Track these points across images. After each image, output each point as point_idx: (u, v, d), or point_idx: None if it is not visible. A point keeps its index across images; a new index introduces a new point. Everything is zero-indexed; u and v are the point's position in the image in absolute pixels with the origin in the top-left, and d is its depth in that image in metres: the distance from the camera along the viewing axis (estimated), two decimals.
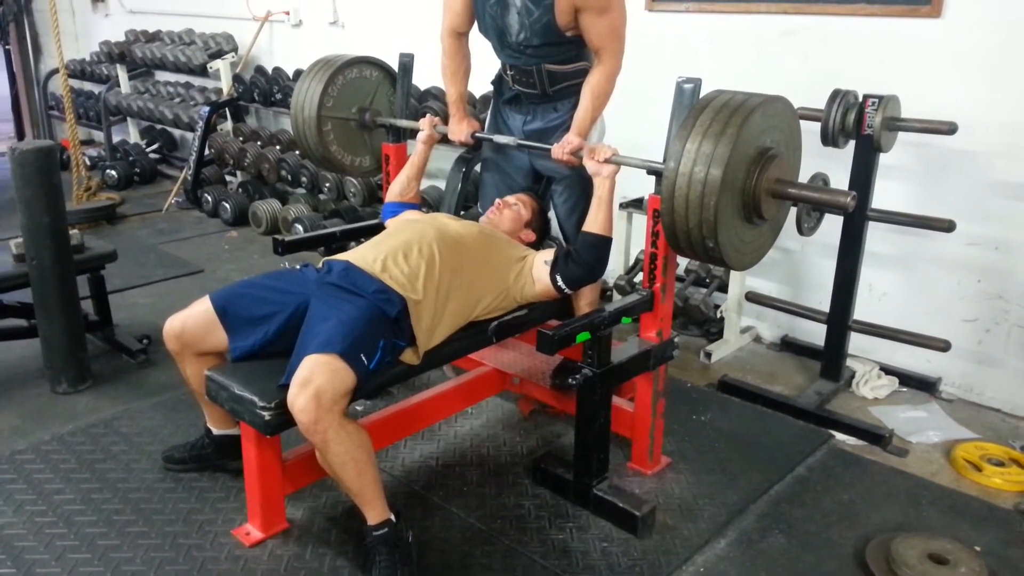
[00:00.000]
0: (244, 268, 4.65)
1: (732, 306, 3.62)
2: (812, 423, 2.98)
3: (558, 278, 2.48)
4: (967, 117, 2.88)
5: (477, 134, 2.90)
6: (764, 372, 3.48)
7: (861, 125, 2.89)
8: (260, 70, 5.78)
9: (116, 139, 7.10)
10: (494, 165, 2.97)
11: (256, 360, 2.23)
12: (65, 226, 3.08)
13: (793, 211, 2.79)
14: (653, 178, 2.34)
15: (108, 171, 6.49)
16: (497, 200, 2.78)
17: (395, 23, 4.88)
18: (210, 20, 6.25)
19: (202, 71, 6.02)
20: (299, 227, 4.93)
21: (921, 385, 3.29)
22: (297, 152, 5.23)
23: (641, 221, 3.46)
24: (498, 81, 2.86)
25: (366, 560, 2.13)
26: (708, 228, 2.08)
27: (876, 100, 2.85)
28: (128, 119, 7.03)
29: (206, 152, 5.81)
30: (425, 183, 4.58)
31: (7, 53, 7.96)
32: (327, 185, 5.07)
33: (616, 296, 3.79)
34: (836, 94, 2.94)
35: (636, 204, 3.73)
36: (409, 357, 2.26)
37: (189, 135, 6.21)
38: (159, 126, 6.84)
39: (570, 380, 2.36)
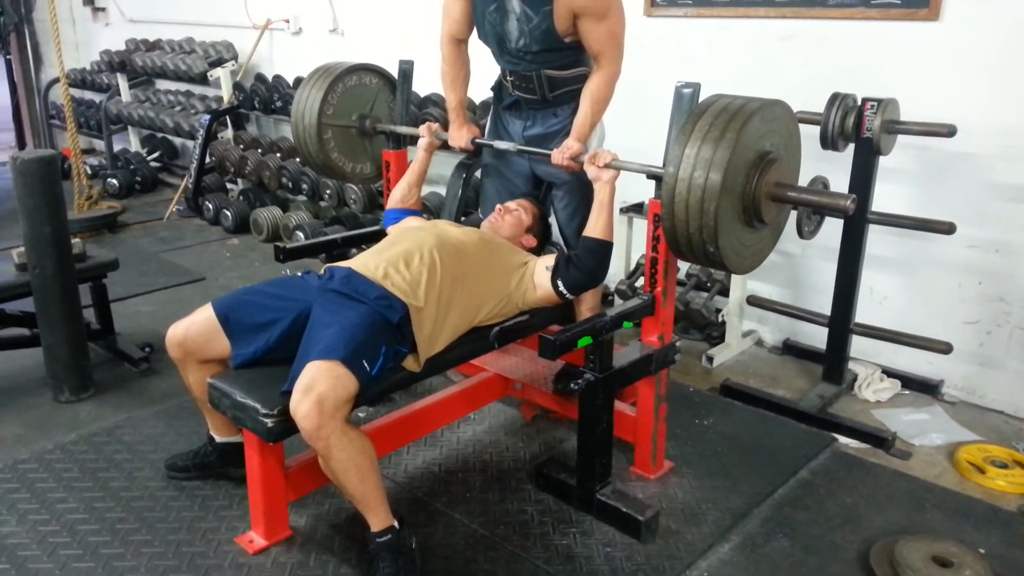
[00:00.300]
0: (246, 276, 4.65)
1: (733, 310, 3.62)
2: (815, 426, 2.98)
3: (559, 283, 2.49)
4: (966, 120, 2.88)
5: (477, 140, 2.91)
6: (766, 376, 3.48)
7: (860, 128, 2.90)
8: (260, 78, 5.79)
9: (117, 148, 7.11)
10: (494, 171, 2.97)
11: (258, 367, 2.24)
12: (67, 235, 3.09)
13: (793, 215, 2.79)
14: (653, 183, 2.35)
15: (109, 180, 6.50)
16: (498, 206, 2.79)
17: (395, 30, 4.89)
18: (210, 28, 6.27)
19: (202, 79, 6.03)
20: (300, 234, 4.93)
21: (923, 388, 3.29)
22: (298, 159, 5.24)
23: (642, 225, 3.46)
24: (498, 87, 2.87)
25: (369, 567, 2.12)
26: (708, 232, 2.09)
27: (875, 103, 2.86)
28: (129, 128, 7.05)
29: (207, 160, 5.82)
30: (426, 189, 4.56)
31: (8, 63, 7.98)
32: (328, 192, 5.08)
33: (617, 301, 3.79)
34: (835, 97, 2.94)
35: (636, 209, 3.73)
36: (410, 364, 2.26)
37: (190, 143, 6.22)
38: (160, 134, 6.85)
39: (572, 385, 2.36)
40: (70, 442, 2.83)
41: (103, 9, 7.57)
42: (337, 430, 1.97)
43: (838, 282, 3.13)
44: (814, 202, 2.40)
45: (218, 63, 5.97)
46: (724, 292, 3.68)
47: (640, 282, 3.69)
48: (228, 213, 5.58)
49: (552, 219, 2.96)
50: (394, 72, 3.22)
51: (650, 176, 2.36)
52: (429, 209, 4.37)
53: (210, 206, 5.76)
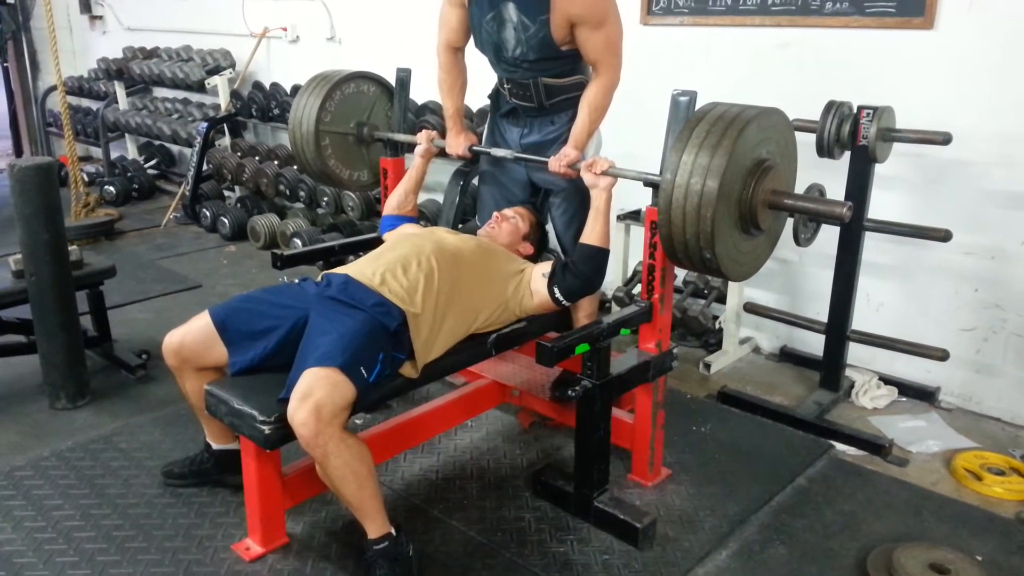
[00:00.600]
0: (243, 283, 4.65)
1: (731, 317, 3.62)
2: (812, 433, 2.98)
3: (556, 290, 2.49)
4: (962, 127, 2.89)
5: (474, 147, 2.91)
6: (763, 383, 3.49)
7: (856, 136, 2.91)
8: (258, 86, 5.81)
9: (114, 155, 7.11)
10: (491, 178, 2.98)
11: (255, 374, 2.23)
12: (64, 242, 3.09)
13: (790, 222, 2.80)
14: (650, 190, 2.35)
15: (106, 187, 6.50)
16: (495, 213, 2.79)
17: (392, 39, 4.90)
18: (208, 36, 6.28)
19: (200, 87, 6.03)
20: (298, 241, 4.93)
21: (920, 395, 3.29)
22: (295, 167, 5.24)
23: (639, 233, 3.47)
24: (495, 95, 2.88)
25: (366, 574, 2.12)
26: (705, 239, 2.09)
27: (871, 111, 2.87)
28: (126, 135, 7.05)
29: (204, 167, 5.83)
30: (423, 196, 4.59)
31: (5, 70, 7.99)
32: (325, 199, 5.09)
33: (615, 308, 3.79)
34: (831, 105, 2.95)
35: (634, 216, 3.74)
36: (408, 371, 2.26)
37: (187, 151, 6.23)
38: (157, 142, 6.85)
39: (569, 392, 2.36)
40: (66, 449, 2.82)
41: (100, 17, 7.58)
42: (335, 437, 1.97)
43: (835, 289, 3.14)
44: (810, 209, 2.41)
45: (215, 71, 5.98)
46: (721, 299, 3.69)
47: (637, 289, 3.69)
48: (225, 220, 5.58)
49: (549, 226, 2.97)
50: (392, 80, 3.23)
51: (647, 183, 2.36)
52: (426, 216, 4.37)
53: (207, 213, 5.76)
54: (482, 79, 2.89)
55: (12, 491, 2.57)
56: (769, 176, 2.16)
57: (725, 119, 2.09)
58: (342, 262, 2.80)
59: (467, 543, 2.35)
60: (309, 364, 2.03)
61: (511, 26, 2.54)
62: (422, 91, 4.07)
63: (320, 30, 5.45)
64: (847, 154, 2.99)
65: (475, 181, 3.19)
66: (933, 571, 2.16)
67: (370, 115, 3.25)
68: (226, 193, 6.13)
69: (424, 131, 3.01)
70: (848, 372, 3.32)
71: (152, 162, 7.07)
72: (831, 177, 3.02)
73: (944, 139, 2.83)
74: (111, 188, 6.48)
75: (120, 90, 6.93)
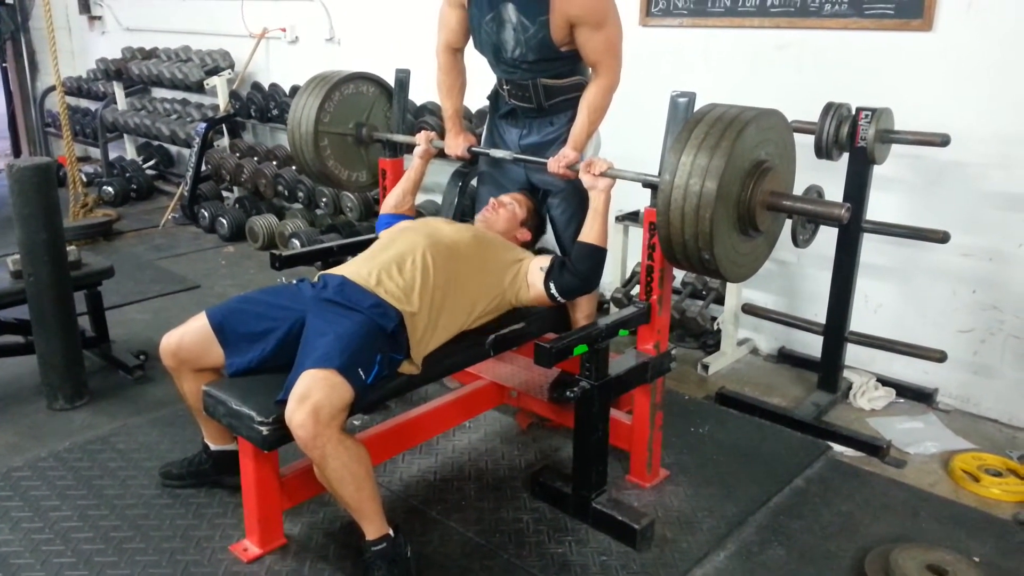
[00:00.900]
0: (241, 283, 4.65)
1: (729, 318, 3.63)
2: (810, 435, 2.98)
3: (551, 286, 2.48)
4: (960, 129, 2.90)
5: (473, 148, 2.91)
6: (761, 384, 3.49)
7: (854, 138, 2.91)
8: (257, 86, 5.80)
9: (113, 156, 7.10)
10: (490, 179, 2.98)
11: (253, 375, 2.23)
12: (62, 242, 3.08)
13: (788, 223, 2.80)
14: (649, 191, 2.35)
15: (105, 187, 6.49)
16: (492, 200, 2.79)
17: (391, 39, 4.91)
18: (206, 37, 6.27)
19: (199, 88, 6.03)
20: (296, 242, 4.93)
21: (918, 396, 3.30)
22: (294, 167, 5.24)
23: (637, 234, 3.47)
24: (494, 96, 2.87)
25: (366, 573, 2.12)
26: (704, 240, 2.10)
27: (869, 113, 2.87)
28: (125, 136, 7.05)
29: (203, 168, 5.82)
30: (422, 197, 4.59)
31: (4, 71, 7.97)
32: (324, 200, 5.09)
33: (613, 309, 3.79)
34: (829, 107, 2.96)
35: (632, 217, 3.75)
36: (408, 368, 2.26)
37: (186, 151, 6.22)
38: (156, 142, 6.85)
39: (568, 393, 2.36)
40: (64, 450, 2.82)
41: (99, 18, 7.58)
42: (333, 439, 1.97)
43: (833, 290, 3.14)
44: (809, 211, 2.41)
45: (214, 71, 5.98)
46: (719, 300, 3.69)
47: (636, 290, 3.69)
48: (224, 221, 5.57)
49: (548, 227, 2.97)
50: (391, 81, 3.23)
51: (646, 184, 2.37)
52: (424, 216, 4.37)
53: (206, 214, 5.76)
54: (481, 80, 2.89)
55: (9, 492, 2.56)
56: (768, 177, 2.16)
57: (724, 120, 2.09)
58: (340, 263, 2.80)
59: (465, 544, 2.35)
60: (307, 365, 2.03)
61: (510, 27, 2.54)
62: (421, 92, 4.07)
63: (319, 31, 5.45)
64: (846, 155, 2.99)
65: (474, 182, 3.19)
66: (930, 572, 2.16)
67: (369, 116, 3.25)
68: (224, 194, 6.13)
69: (423, 132, 3.01)
70: (846, 373, 3.32)
71: (151, 162, 7.07)
72: (830, 178, 3.02)
73: (942, 141, 2.83)
74: (109, 188, 6.47)
75: (119, 90, 6.92)
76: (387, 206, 2.95)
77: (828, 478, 2.73)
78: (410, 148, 3.05)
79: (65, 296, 3.10)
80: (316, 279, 2.41)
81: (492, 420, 3.06)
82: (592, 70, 2.58)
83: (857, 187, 2.98)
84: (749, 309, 3.50)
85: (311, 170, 3.22)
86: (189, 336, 2.28)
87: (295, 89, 5.28)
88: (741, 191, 2.14)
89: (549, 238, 2.98)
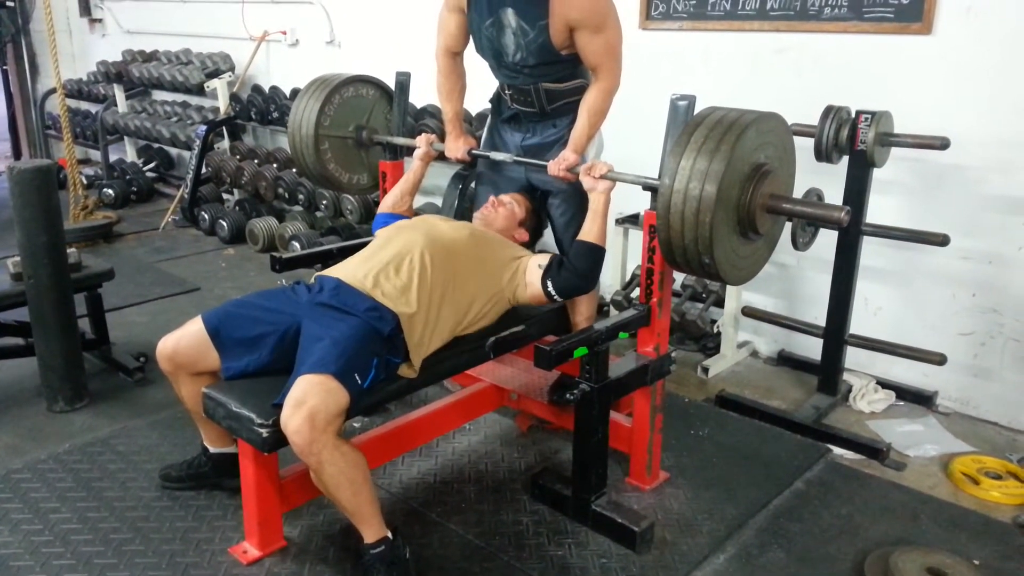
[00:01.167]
0: (241, 286, 4.65)
1: (729, 321, 3.63)
2: (810, 437, 2.98)
3: (549, 284, 2.46)
4: (959, 132, 2.90)
5: (474, 151, 2.92)
6: (761, 387, 3.49)
7: (854, 141, 2.91)
8: (257, 89, 5.81)
9: (113, 158, 7.12)
10: (489, 179, 2.98)
11: (253, 378, 2.23)
12: (63, 245, 3.09)
13: (788, 226, 2.81)
14: (649, 194, 2.36)
15: (105, 190, 6.50)
16: (491, 198, 2.79)
17: (391, 42, 4.91)
18: (207, 40, 6.28)
19: (199, 90, 6.04)
20: (296, 244, 4.94)
21: (918, 399, 3.30)
22: (294, 170, 5.25)
23: (637, 237, 3.47)
24: (496, 100, 2.88)
25: None
26: (704, 243, 2.10)
27: (869, 116, 2.87)
28: (125, 138, 7.06)
29: (203, 170, 5.83)
30: (421, 200, 4.60)
31: (4, 73, 7.99)
32: (324, 203, 5.09)
33: (613, 311, 3.80)
34: (829, 110, 2.96)
35: (632, 220, 3.75)
36: (406, 371, 2.26)
37: (186, 154, 6.23)
38: (156, 145, 6.85)
39: (568, 395, 2.36)
40: (64, 452, 2.82)
41: (100, 20, 7.58)
42: (329, 444, 1.97)
43: (833, 293, 3.14)
44: (809, 214, 2.42)
45: (215, 74, 5.99)
46: (719, 303, 3.69)
47: (636, 293, 3.69)
48: (224, 223, 5.58)
49: (548, 227, 2.97)
50: (391, 84, 3.23)
51: (646, 187, 2.37)
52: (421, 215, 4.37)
53: (206, 216, 5.76)
54: (482, 83, 2.89)
55: (9, 494, 2.56)
56: (768, 180, 2.16)
57: (724, 123, 2.10)
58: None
59: (465, 546, 2.35)
60: (303, 371, 2.03)
61: (510, 31, 2.54)
62: (421, 95, 4.07)
63: (319, 34, 5.45)
64: (845, 159, 3.00)
65: (473, 185, 3.19)
66: (930, 575, 2.16)
67: (369, 119, 3.25)
68: (225, 196, 6.14)
69: (423, 134, 3.01)
70: (846, 376, 3.32)
71: (151, 165, 7.07)
72: (829, 181, 3.02)
73: (942, 144, 2.84)
74: (110, 191, 6.48)
75: (119, 93, 6.93)
76: (385, 205, 2.94)
77: (828, 481, 2.73)
78: (410, 151, 3.05)
79: (65, 298, 3.10)
80: (312, 281, 2.41)
81: (492, 423, 3.06)
82: (592, 73, 2.58)
83: (857, 190, 2.98)
84: (749, 312, 3.50)
85: (311, 173, 3.23)
86: (185, 341, 2.28)
87: (295, 92, 5.29)
88: (741, 194, 2.14)
89: (549, 240, 2.99)
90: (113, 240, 5.68)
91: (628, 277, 3.93)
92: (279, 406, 2.00)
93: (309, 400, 1.95)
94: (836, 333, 3.17)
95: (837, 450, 2.91)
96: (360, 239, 3.28)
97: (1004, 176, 3.00)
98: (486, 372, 2.95)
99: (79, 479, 2.65)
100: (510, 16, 2.51)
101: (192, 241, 5.70)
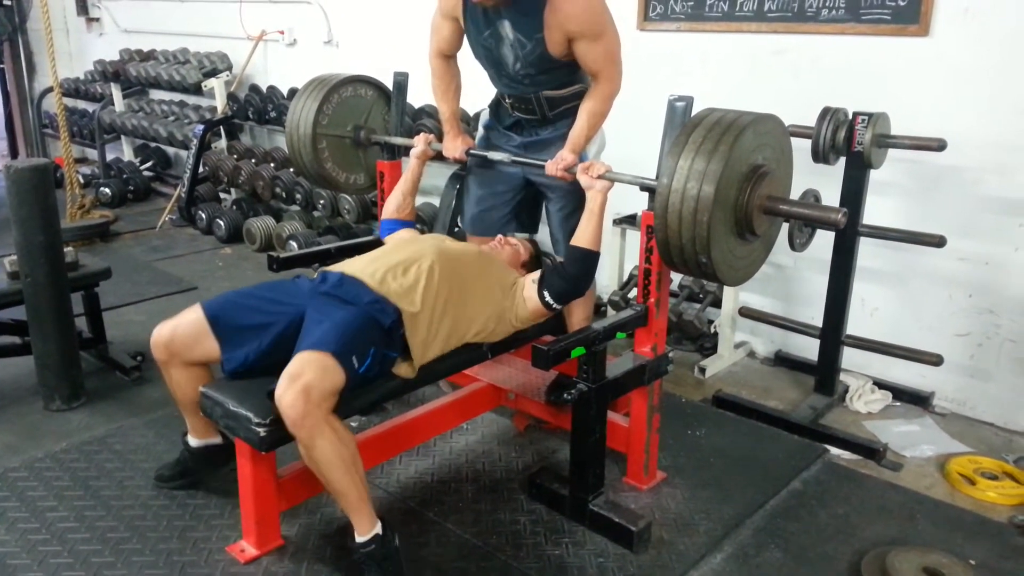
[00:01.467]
0: (238, 285, 4.59)
1: (726, 321, 3.63)
2: (807, 438, 2.98)
3: (546, 293, 2.48)
4: (956, 134, 2.91)
5: (472, 151, 2.91)
6: (758, 387, 3.49)
7: (851, 142, 2.92)
8: (255, 88, 5.80)
9: (110, 157, 7.11)
10: (484, 175, 2.94)
11: (250, 377, 2.23)
12: (60, 244, 3.08)
13: (785, 227, 2.81)
14: (646, 195, 2.36)
15: (102, 189, 6.49)
16: (499, 236, 2.84)
17: (389, 42, 4.91)
18: (204, 39, 6.28)
19: (196, 90, 6.03)
20: (294, 244, 4.94)
21: (914, 399, 3.30)
22: (291, 169, 5.24)
23: (635, 237, 3.48)
24: (495, 107, 2.87)
25: (356, 574, 2.12)
26: (701, 243, 2.10)
27: (866, 117, 2.88)
28: (122, 137, 7.05)
29: (200, 170, 5.82)
30: (419, 200, 4.59)
31: (1, 72, 7.98)
32: (321, 202, 5.09)
33: (610, 312, 3.80)
34: (826, 111, 2.97)
35: (630, 220, 3.75)
36: (404, 370, 2.27)
37: (183, 153, 6.22)
38: (153, 144, 6.85)
39: (565, 395, 2.37)
40: (61, 451, 2.81)
41: (97, 19, 7.57)
42: (321, 419, 1.98)
43: (830, 294, 3.15)
44: (806, 216, 2.42)
45: (212, 73, 5.98)
46: (716, 303, 3.70)
47: (633, 293, 3.70)
48: (221, 223, 5.57)
49: (544, 223, 2.98)
50: (389, 84, 3.23)
51: (643, 188, 2.37)
52: (423, 219, 4.37)
53: (203, 216, 5.75)
54: (478, 84, 2.89)
55: (6, 492, 2.56)
56: (765, 182, 2.17)
57: (722, 124, 2.10)
58: None
59: (462, 546, 2.35)
60: (302, 348, 2.05)
61: (508, 43, 2.53)
62: (419, 95, 4.07)
63: (317, 33, 5.45)
64: (842, 160, 3.00)
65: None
66: (926, 575, 2.17)
67: (367, 119, 3.25)
68: (222, 195, 6.13)
69: (422, 134, 3.01)
70: (843, 377, 3.33)
71: (148, 164, 7.06)
72: (826, 182, 3.03)
73: (939, 145, 2.84)
74: (107, 190, 6.47)
75: (116, 92, 6.91)
76: (388, 211, 2.95)
77: (825, 481, 2.73)
78: (408, 151, 3.05)
79: (62, 297, 3.09)
80: (315, 275, 2.42)
81: (489, 422, 3.06)
82: (592, 78, 2.57)
83: (854, 191, 2.99)
84: (746, 312, 3.51)
85: (308, 172, 3.23)
86: (183, 327, 2.28)
87: (293, 91, 5.28)
88: (738, 195, 2.15)
89: (545, 238, 2.99)
90: (110, 239, 5.67)
91: (625, 277, 3.93)
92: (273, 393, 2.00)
93: (305, 375, 1.96)
94: (833, 334, 3.17)
95: (834, 450, 2.91)
96: (358, 239, 3.29)
97: (1001, 177, 3.01)
98: (484, 372, 2.95)
99: (76, 478, 2.65)
100: (507, 28, 2.50)
101: (189, 240, 5.69)
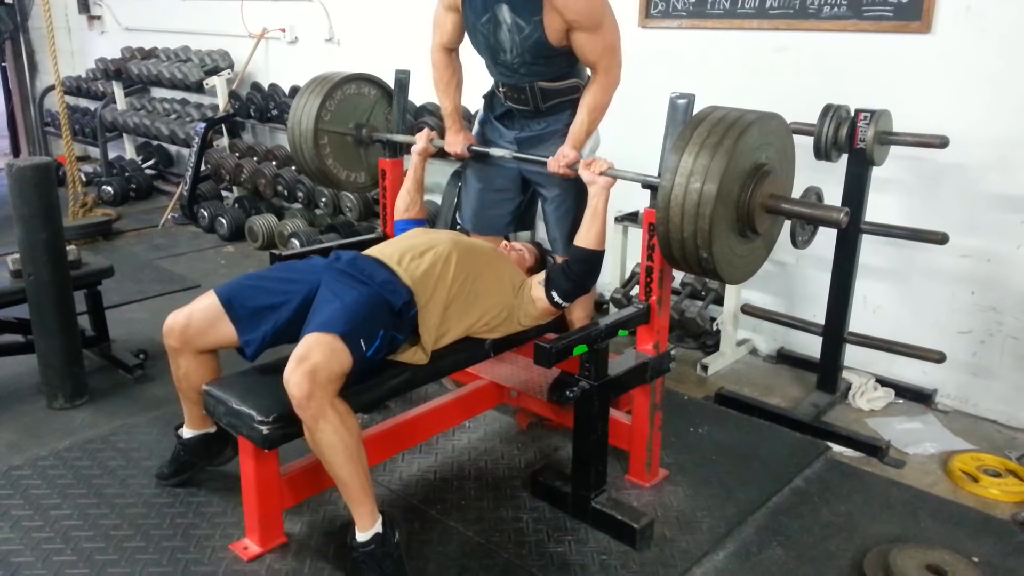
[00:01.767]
0: None
1: (728, 319, 3.63)
2: (809, 435, 2.98)
3: (554, 294, 2.52)
4: (959, 131, 2.91)
5: (473, 147, 2.91)
6: (761, 384, 3.49)
7: (853, 139, 2.92)
8: (256, 86, 5.80)
9: (112, 155, 7.10)
10: (481, 171, 2.94)
11: (254, 375, 2.24)
12: (62, 242, 3.08)
13: (787, 224, 2.81)
14: (648, 192, 2.36)
15: (104, 187, 6.49)
16: (504, 242, 2.88)
17: (390, 40, 4.91)
18: (206, 37, 6.28)
19: (198, 88, 6.03)
20: (295, 242, 4.94)
21: (917, 397, 3.30)
22: (293, 167, 5.25)
23: (637, 234, 3.48)
24: (490, 96, 2.87)
25: (355, 573, 2.12)
26: (703, 238, 2.10)
27: (868, 114, 2.88)
28: (124, 135, 7.05)
29: (202, 168, 5.83)
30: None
31: (3, 70, 7.97)
32: (323, 200, 5.09)
33: (612, 309, 3.80)
34: (828, 109, 2.96)
35: (631, 218, 3.75)
36: (418, 356, 2.28)
37: (185, 151, 6.22)
38: (155, 142, 6.85)
39: (567, 393, 2.37)
40: (64, 449, 2.82)
41: (99, 17, 7.57)
42: (326, 401, 1.98)
43: (832, 291, 3.15)
44: (808, 215, 2.42)
45: (214, 71, 5.98)
46: (719, 301, 3.70)
47: (635, 291, 3.70)
48: (223, 221, 5.57)
49: (540, 220, 2.99)
50: (390, 82, 3.23)
51: (645, 185, 2.37)
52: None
53: (205, 214, 5.76)
54: (480, 80, 2.89)
55: (10, 491, 2.57)
56: (768, 180, 2.17)
57: (726, 122, 2.10)
58: None
59: (465, 543, 2.35)
60: (310, 329, 2.05)
61: (506, 28, 2.53)
62: (421, 93, 4.07)
63: (319, 31, 5.45)
64: (845, 157, 3.00)
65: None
66: (929, 572, 2.17)
67: (369, 117, 3.25)
68: (224, 193, 6.13)
69: (424, 130, 3.01)
70: (845, 374, 3.33)
71: (150, 162, 7.06)
72: (829, 179, 3.03)
73: (941, 143, 2.84)
74: (109, 188, 6.48)
75: (118, 90, 6.92)
76: (398, 211, 2.97)
77: (827, 478, 2.73)
78: (410, 148, 3.05)
79: (65, 295, 3.10)
80: (330, 254, 2.44)
81: (492, 420, 3.06)
82: (591, 70, 2.57)
83: (856, 188, 2.98)
84: (748, 310, 3.51)
85: (310, 170, 3.23)
86: (198, 312, 2.29)
87: (294, 89, 5.29)
88: (741, 193, 2.15)
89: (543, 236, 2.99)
90: (112, 237, 5.67)
91: (627, 275, 3.93)
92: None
93: (313, 356, 1.97)
94: (835, 331, 3.17)
95: (836, 448, 2.91)
96: (360, 236, 3.28)
97: (1003, 174, 3.00)
98: (486, 369, 2.95)
99: (79, 476, 2.65)
100: (505, 12, 2.50)
101: (191, 238, 5.70)
